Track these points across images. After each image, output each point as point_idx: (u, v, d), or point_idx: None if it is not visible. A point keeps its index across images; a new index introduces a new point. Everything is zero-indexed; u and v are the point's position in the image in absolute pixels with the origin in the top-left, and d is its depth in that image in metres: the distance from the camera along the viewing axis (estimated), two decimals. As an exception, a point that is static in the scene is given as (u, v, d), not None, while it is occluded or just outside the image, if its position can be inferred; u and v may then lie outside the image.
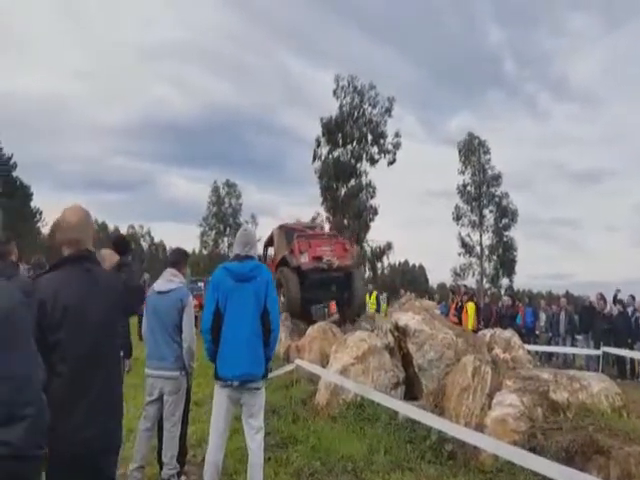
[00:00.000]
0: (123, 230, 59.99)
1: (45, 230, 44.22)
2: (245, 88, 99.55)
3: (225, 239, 44.55)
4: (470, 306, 13.88)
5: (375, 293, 17.14)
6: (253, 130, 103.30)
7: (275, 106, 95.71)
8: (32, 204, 41.68)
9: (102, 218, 63.50)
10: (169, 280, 4.15)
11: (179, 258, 4.37)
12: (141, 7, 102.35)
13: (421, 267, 75.06)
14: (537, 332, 15.77)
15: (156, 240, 64.23)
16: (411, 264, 76.66)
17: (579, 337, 14.07)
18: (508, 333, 8.19)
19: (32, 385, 1.32)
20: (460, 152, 37.16)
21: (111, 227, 62.93)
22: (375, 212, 34.95)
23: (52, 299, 2.19)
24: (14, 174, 38.15)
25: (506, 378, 6.05)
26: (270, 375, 4.61)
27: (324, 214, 35.04)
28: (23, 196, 39.60)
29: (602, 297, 13.20)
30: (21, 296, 1.48)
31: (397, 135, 34.95)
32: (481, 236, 37.00)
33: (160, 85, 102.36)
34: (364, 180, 35.02)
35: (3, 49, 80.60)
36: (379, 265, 36.51)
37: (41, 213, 43.30)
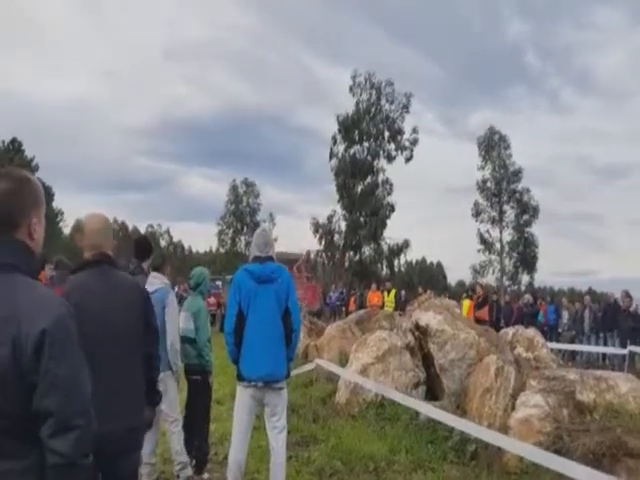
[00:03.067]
0: (142, 229, 60.75)
1: (66, 230, 45.03)
2: (263, 86, 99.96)
3: (242, 237, 44.76)
4: (465, 303, 13.77)
5: (394, 291, 16.98)
6: (271, 128, 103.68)
7: (293, 104, 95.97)
8: (53, 205, 42.44)
9: (122, 218, 64.38)
10: (151, 283, 4.17)
11: (160, 262, 4.42)
12: (162, 6, 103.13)
13: (439, 265, 74.50)
14: (560, 330, 15.51)
15: (175, 239, 64.94)
16: (429, 262, 76.13)
17: (601, 335, 13.79)
18: (531, 332, 8.04)
19: (83, 395, 1.36)
20: (480, 147, 36.67)
21: (130, 227, 63.79)
22: (392, 209, 34.68)
23: (72, 302, 2.24)
24: (36, 175, 38.93)
25: (530, 378, 5.95)
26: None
27: (340, 212, 34.95)
28: (45, 197, 40.34)
29: (627, 294, 12.89)
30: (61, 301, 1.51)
31: (415, 131, 34.60)
32: (501, 232, 36.50)
33: (180, 84, 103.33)
34: (381, 177, 34.81)
35: (24, 50, 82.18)
36: (396, 263, 36.13)
37: (62, 214, 44.14)
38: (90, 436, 1.36)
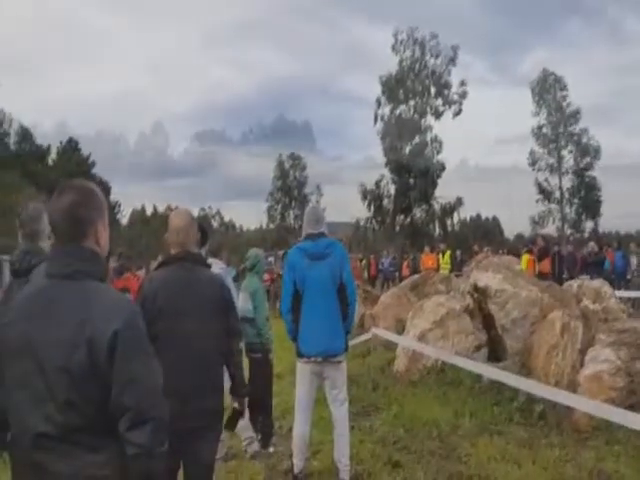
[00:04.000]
0: (195, 214, 62.41)
1: (124, 221, 46.96)
2: (302, 56, 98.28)
3: (291, 212, 45.07)
4: (525, 257, 13.14)
5: (449, 252, 16.53)
6: (313, 98, 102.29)
7: (334, 71, 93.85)
8: (111, 197, 44.26)
9: (175, 203, 66.44)
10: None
11: (216, 247, 4.54)
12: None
13: (495, 219, 72.07)
14: (629, 277, 14.67)
15: (226, 219, 66.50)
16: (484, 217, 73.82)
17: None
18: (597, 282, 7.64)
19: (156, 388, 1.46)
20: (534, 92, 34.59)
21: (185, 211, 65.62)
22: (442, 168, 33.70)
23: (152, 297, 2.46)
24: (93, 171, 40.56)
25: (599, 332, 5.67)
26: (347, 344, 4.64)
27: (389, 175, 34.32)
28: (103, 192, 42.11)
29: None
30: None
31: (463, 84, 33.14)
32: (560, 179, 34.67)
33: (222, 65, 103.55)
34: (429, 136, 33.75)
35: (70, 45, 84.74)
36: (449, 222, 35.24)
37: (120, 205, 45.92)
38: (165, 426, 1.45)
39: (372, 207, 34.77)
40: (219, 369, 2.62)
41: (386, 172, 34.31)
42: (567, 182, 34.65)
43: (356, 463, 3.99)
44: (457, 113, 33.10)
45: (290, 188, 45.05)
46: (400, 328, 7.64)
